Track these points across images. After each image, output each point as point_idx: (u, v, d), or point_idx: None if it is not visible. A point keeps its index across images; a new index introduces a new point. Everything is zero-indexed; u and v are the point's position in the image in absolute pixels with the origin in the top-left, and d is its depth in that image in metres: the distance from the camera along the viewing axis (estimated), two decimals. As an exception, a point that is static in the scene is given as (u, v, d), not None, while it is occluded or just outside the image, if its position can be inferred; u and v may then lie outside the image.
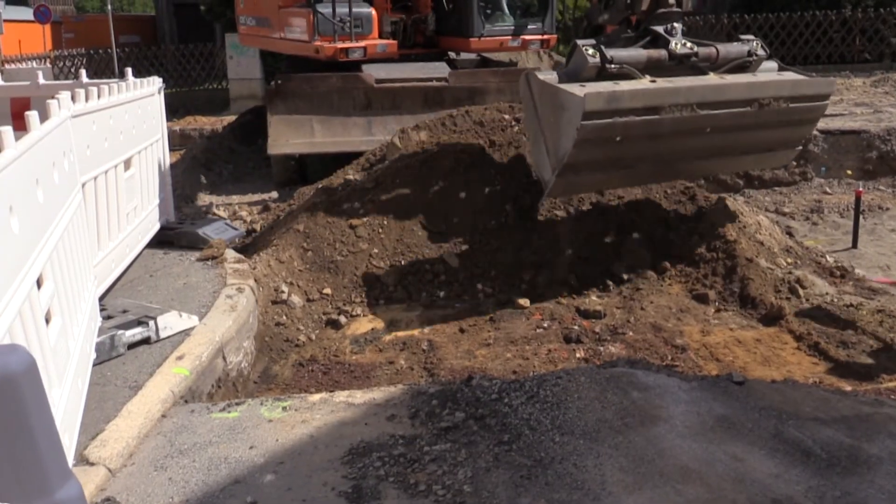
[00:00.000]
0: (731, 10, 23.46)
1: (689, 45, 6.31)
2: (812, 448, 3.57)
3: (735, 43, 6.72)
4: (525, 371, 5.34)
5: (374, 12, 11.21)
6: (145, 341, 4.87)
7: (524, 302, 6.51)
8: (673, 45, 6.26)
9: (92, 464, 3.50)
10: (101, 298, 5.23)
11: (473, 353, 5.78)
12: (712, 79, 6.40)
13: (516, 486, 3.29)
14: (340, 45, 10.66)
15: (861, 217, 8.91)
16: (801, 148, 7.27)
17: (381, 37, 11.34)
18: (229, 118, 15.78)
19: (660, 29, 6.37)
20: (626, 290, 6.73)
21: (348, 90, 10.72)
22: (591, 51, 6.00)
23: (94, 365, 4.40)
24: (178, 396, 4.29)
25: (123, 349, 4.74)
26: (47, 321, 3.38)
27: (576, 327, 6.06)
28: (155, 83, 7.44)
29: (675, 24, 6.38)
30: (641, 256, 6.96)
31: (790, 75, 6.93)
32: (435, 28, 12.12)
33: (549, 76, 6.19)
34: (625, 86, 6.00)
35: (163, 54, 24.89)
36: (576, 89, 5.85)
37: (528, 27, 12.14)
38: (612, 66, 6.02)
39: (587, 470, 3.38)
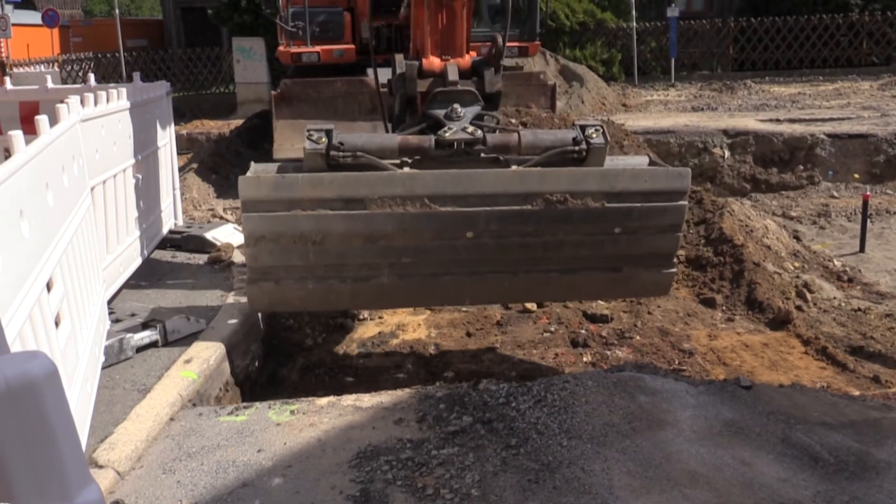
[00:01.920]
0: (737, 13, 23.49)
1: (471, 129, 4.99)
2: (820, 453, 3.56)
3: (558, 130, 5.39)
4: (532, 375, 5.34)
5: (347, 17, 11.25)
6: (153, 345, 4.89)
7: (531, 306, 6.51)
8: (444, 130, 4.99)
9: (101, 466, 3.51)
10: (110, 302, 5.25)
11: (480, 357, 5.79)
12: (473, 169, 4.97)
13: (524, 490, 3.29)
14: (294, 49, 10.78)
15: (868, 221, 8.89)
16: (673, 270, 5.30)
17: (358, 43, 11.37)
18: (236, 122, 15.80)
19: (439, 112, 5.09)
20: (633, 294, 6.73)
21: (353, 94, 10.74)
22: (315, 136, 4.84)
23: (103, 368, 4.42)
24: (186, 400, 4.31)
25: (132, 352, 4.76)
26: (57, 324, 3.39)
27: (583, 331, 6.05)
28: (163, 87, 7.48)
29: (457, 107, 5.07)
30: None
31: (617, 166, 5.25)
32: None
33: (268, 166, 5.06)
34: (322, 173, 4.81)
35: (170, 58, 25.03)
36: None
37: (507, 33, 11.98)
38: (343, 153, 4.83)
39: (595, 474, 3.38)
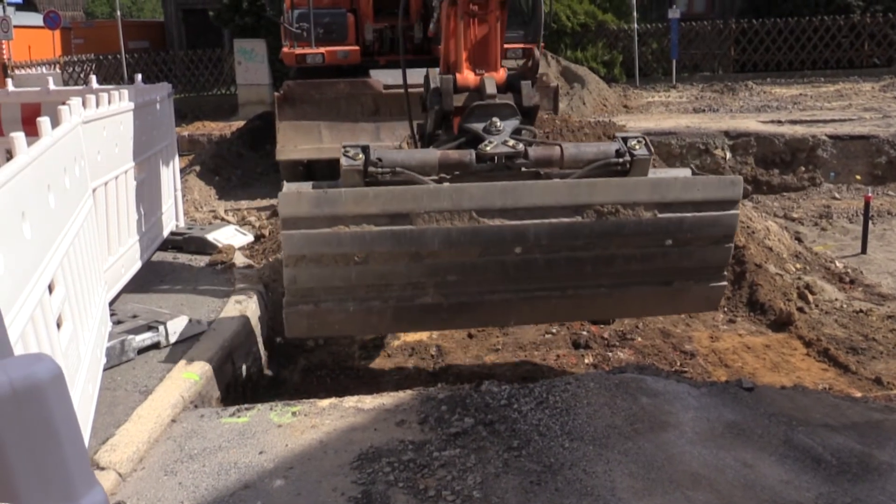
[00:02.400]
0: (738, 14, 23.49)
1: (512, 143, 4.84)
2: (822, 455, 3.56)
3: (600, 142, 5.16)
4: (534, 377, 5.34)
5: (350, 19, 11.27)
6: (155, 346, 4.89)
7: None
8: (485, 144, 4.84)
9: (102, 468, 3.51)
10: (112, 303, 5.25)
11: (482, 359, 5.79)
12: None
13: (526, 492, 3.28)
14: (299, 51, 10.81)
15: (870, 222, 8.89)
16: (723, 283, 5.14)
17: (362, 44, 11.40)
18: (238, 123, 15.83)
19: (477, 127, 4.93)
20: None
21: (356, 96, 10.76)
22: (351, 152, 4.67)
23: (105, 370, 4.42)
24: (187, 401, 4.31)
25: (133, 354, 4.76)
26: (58, 326, 3.39)
27: (584, 333, 6.05)
28: (164, 89, 7.48)
29: (497, 120, 4.92)
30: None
31: (666, 176, 5.08)
32: (424, 36, 12.13)
33: (302, 185, 4.89)
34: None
35: (171, 60, 25.06)
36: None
37: (508, 36, 11.94)
38: (381, 169, 4.65)
39: (597, 476, 3.38)
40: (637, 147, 4.90)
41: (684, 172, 5.32)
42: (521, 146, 4.84)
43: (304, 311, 4.67)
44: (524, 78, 5.21)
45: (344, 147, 4.72)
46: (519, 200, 4.55)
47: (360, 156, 4.65)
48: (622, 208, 4.62)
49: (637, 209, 4.64)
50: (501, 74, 5.24)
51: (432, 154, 4.87)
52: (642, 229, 4.69)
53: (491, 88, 5.05)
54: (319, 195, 4.45)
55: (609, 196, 4.62)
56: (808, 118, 13.48)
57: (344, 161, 4.63)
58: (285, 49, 11.11)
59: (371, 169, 4.64)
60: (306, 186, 4.86)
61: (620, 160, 4.89)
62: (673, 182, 4.79)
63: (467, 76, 5.17)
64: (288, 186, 4.82)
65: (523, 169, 4.89)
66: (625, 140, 4.96)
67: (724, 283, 5.17)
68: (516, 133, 4.99)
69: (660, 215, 4.68)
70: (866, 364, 5.55)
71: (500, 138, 4.87)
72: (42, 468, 1.19)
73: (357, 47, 11.28)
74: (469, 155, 4.83)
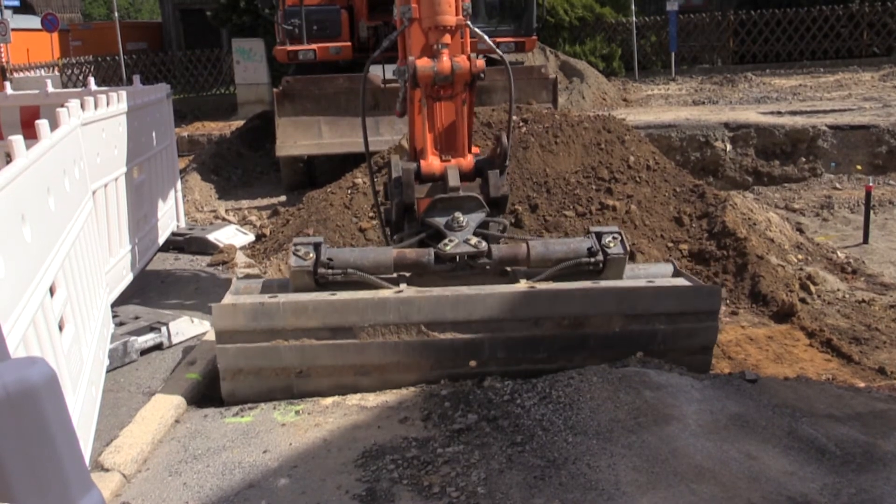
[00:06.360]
0: (737, 6, 23.44)
1: (474, 241, 4.55)
2: (826, 445, 3.55)
3: (572, 239, 4.94)
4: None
5: (343, 15, 11.27)
6: (158, 347, 4.90)
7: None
8: (445, 243, 4.55)
9: (107, 470, 3.51)
10: (113, 305, 5.25)
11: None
12: (469, 288, 4.40)
13: (530, 486, 3.28)
14: (290, 47, 10.82)
15: (871, 212, 8.86)
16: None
17: (357, 41, 11.40)
18: (237, 123, 15.82)
19: (439, 221, 4.64)
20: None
21: (355, 91, 10.74)
22: (302, 250, 4.45)
23: (108, 371, 4.43)
24: (191, 402, 4.31)
25: (136, 355, 4.77)
26: (60, 328, 3.39)
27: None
28: (163, 89, 7.48)
29: (459, 215, 4.61)
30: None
31: (635, 281, 4.71)
32: None
33: (251, 284, 4.72)
34: (302, 296, 4.36)
35: (170, 60, 25.07)
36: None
37: (501, 29, 11.87)
38: (332, 271, 4.43)
39: (601, 470, 3.37)
40: (612, 245, 4.62)
41: (665, 269, 5.03)
42: (483, 245, 4.57)
43: None
44: (492, 165, 4.91)
45: (294, 245, 4.50)
46: (472, 313, 4.28)
47: (311, 255, 4.43)
48: (586, 320, 4.36)
49: (602, 321, 4.38)
50: (469, 161, 4.98)
51: (387, 253, 4.61)
52: (609, 342, 4.40)
53: (454, 180, 4.75)
54: (256, 308, 4.21)
55: (571, 307, 4.35)
56: (808, 109, 13.44)
57: (293, 261, 4.42)
58: (278, 46, 11.15)
59: (321, 270, 4.43)
60: (254, 287, 4.69)
61: (592, 259, 4.62)
62: (643, 292, 4.46)
63: (432, 163, 4.90)
64: (236, 285, 4.67)
65: (487, 268, 4.64)
66: (598, 236, 4.68)
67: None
68: (483, 227, 4.73)
69: (629, 328, 4.40)
70: (869, 354, 5.55)
71: (463, 235, 4.59)
72: (38, 471, 1.19)
73: (349, 43, 11.28)
74: (427, 255, 4.57)
